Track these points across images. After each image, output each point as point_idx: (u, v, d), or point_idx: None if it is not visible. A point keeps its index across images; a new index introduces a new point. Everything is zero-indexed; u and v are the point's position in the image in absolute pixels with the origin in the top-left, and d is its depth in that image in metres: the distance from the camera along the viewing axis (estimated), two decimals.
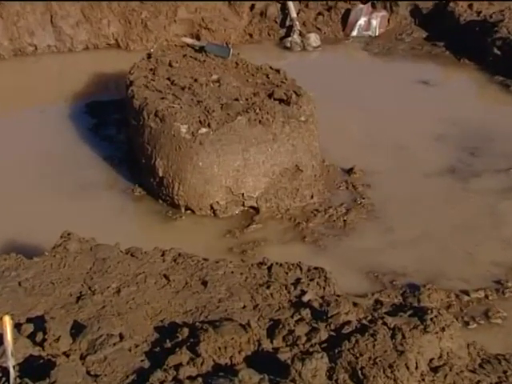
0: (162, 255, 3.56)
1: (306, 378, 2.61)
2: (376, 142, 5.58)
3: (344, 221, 4.55)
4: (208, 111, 4.63)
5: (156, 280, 3.33)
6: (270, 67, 5.46)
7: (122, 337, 2.88)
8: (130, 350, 2.84)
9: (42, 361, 2.73)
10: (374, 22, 7.56)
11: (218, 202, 4.56)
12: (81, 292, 3.22)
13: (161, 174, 4.63)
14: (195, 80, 5.14)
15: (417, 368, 2.66)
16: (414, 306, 3.36)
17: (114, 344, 2.83)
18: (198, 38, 6.98)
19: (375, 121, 5.84)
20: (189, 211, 4.62)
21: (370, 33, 7.65)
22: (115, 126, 5.76)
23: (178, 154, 4.54)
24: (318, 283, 3.37)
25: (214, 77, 5.21)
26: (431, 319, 2.92)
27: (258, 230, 4.46)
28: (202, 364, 2.72)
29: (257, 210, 4.63)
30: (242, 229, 4.45)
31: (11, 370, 2.59)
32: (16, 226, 4.26)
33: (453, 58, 7.05)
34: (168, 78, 5.18)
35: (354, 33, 7.62)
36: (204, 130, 4.51)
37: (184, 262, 3.50)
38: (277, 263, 3.53)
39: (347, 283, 3.71)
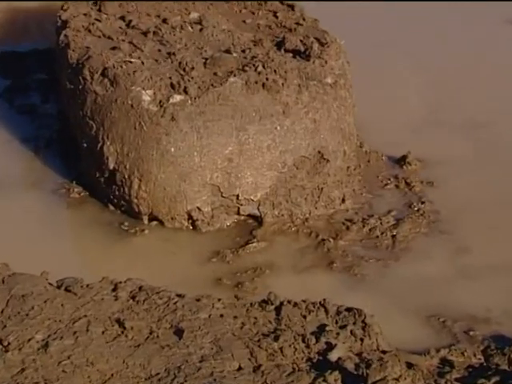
0: (114, 290, 3.56)
1: None
2: (443, 116, 5.57)
3: (393, 237, 4.55)
4: (184, 69, 4.64)
5: (104, 328, 3.33)
6: (280, 0, 5.47)
7: None
8: None
9: None
10: None
11: (199, 208, 4.57)
12: None
13: (112, 166, 4.63)
14: (164, 20, 5.15)
15: None
16: (501, 369, 3.35)
17: None
18: None
19: (442, 85, 5.84)
20: (155, 222, 4.62)
21: None
22: (40, 92, 5.77)
23: (139, 135, 4.55)
24: (352, 332, 3.37)
25: (194, 15, 5.22)
26: None
27: (260, 250, 4.46)
28: None
29: (259, 220, 4.64)
30: (236, 249, 4.44)
31: None
32: None
33: None
34: (122, 18, 5.19)
35: None
36: (178, 97, 4.51)
37: (148, 299, 3.50)
38: (289, 302, 3.53)
39: (398, 333, 3.70)
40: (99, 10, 5.24)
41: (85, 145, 4.83)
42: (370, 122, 5.30)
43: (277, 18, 5.29)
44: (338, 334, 3.34)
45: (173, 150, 4.49)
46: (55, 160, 5.12)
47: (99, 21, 5.12)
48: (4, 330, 3.29)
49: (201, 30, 5.06)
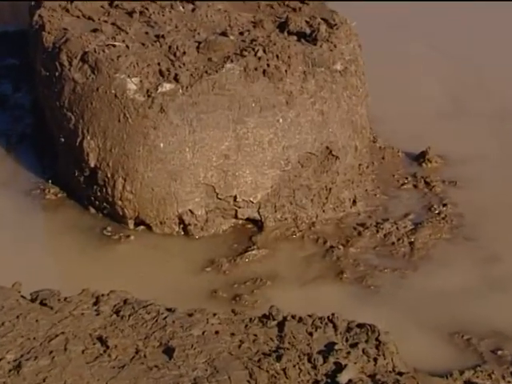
0: (96, 303, 3.55)
1: None
2: (467, 107, 5.59)
3: (410, 243, 4.55)
4: (175, 54, 4.63)
5: (85, 347, 3.32)
6: None
7: None
8: None
9: None
10: None
11: (192, 211, 4.57)
12: None
13: (93, 164, 4.63)
14: None
15: None
16: None
17: None
18: None
19: (467, 72, 5.85)
20: (142, 227, 4.63)
21: None
22: (11, 80, 5.78)
23: (123, 129, 4.54)
24: (364, 352, 3.37)
25: None
26: None
27: (261, 259, 4.47)
28: None
29: (260, 224, 4.64)
30: (233, 257, 4.45)
31: None
32: None
33: None
34: None
35: None
36: (168, 86, 4.51)
37: (133, 314, 3.49)
38: (293, 317, 3.52)
39: (417, 352, 3.69)
40: None
41: (62, 140, 4.82)
42: (384, 113, 5.31)
43: None
44: (348, 353, 3.34)
45: (162, 145, 4.49)
46: (29, 157, 5.11)
47: None
48: None
49: (193, 10, 5.06)
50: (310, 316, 3.53)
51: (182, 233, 4.60)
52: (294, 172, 4.62)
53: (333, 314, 3.53)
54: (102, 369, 3.23)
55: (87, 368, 3.22)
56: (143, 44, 4.73)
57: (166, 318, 3.47)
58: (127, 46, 4.69)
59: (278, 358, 3.29)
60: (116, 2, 5.08)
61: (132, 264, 4.43)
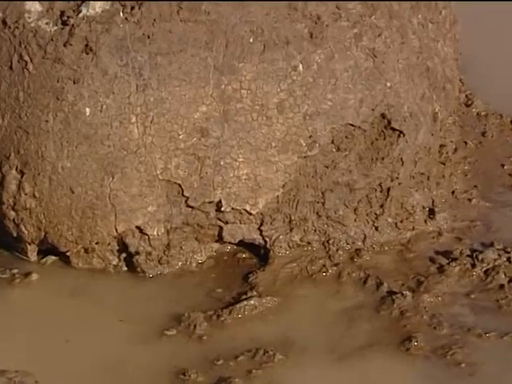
0: None
1: None
2: None
3: None
4: None
5: None
6: None
7: None
8: None
9: None
10: None
11: (141, 228, 4.63)
12: None
13: None
14: None
15: None
16: None
17: None
18: None
19: None
20: (52, 258, 4.71)
21: None
22: None
23: (19, 83, 4.60)
24: None
25: None
26: None
27: (265, 314, 4.52)
28: None
29: (263, 253, 4.71)
30: (216, 312, 4.50)
31: None
32: None
33: None
34: None
35: None
36: (98, 5, 4.55)
37: None
38: None
39: None
40: None
41: None
42: (487, 56, 5.36)
43: None
44: None
45: (88, 111, 4.56)
46: None
47: None
48: None
49: None
50: None
51: (125, 268, 4.67)
52: (323, 160, 4.69)
53: None
54: None
55: None
56: None
57: None
58: None
59: None
60: None
61: (35, 324, 4.48)
